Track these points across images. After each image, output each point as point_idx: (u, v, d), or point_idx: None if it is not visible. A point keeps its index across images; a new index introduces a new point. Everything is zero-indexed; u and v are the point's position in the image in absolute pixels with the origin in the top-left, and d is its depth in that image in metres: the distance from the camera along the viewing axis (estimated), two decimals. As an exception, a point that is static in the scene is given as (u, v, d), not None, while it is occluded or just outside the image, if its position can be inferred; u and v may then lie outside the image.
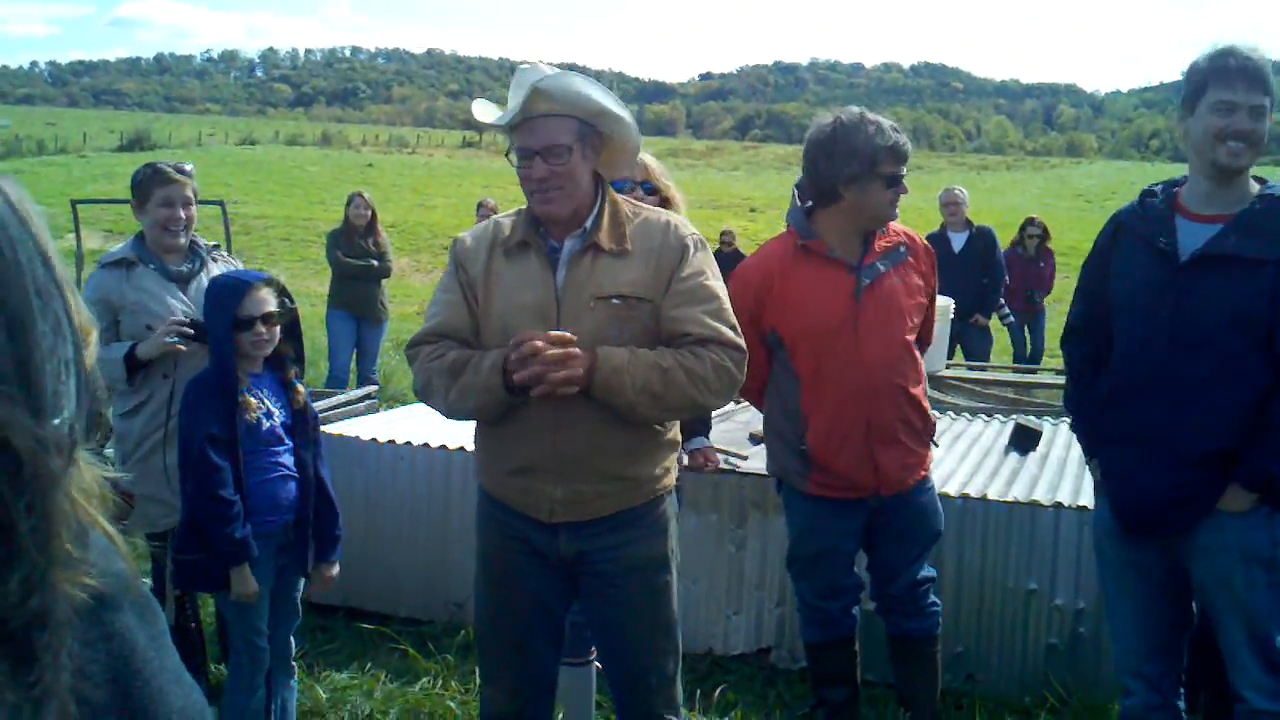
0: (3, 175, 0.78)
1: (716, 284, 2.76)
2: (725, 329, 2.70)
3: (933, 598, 3.77)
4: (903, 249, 3.56)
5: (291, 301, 3.45)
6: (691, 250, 2.74)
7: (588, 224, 2.73)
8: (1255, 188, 2.91)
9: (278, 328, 3.37)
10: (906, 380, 3.51)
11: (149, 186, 3.88)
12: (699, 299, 2.70)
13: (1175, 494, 2.88)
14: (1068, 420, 3.39)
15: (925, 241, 3.74)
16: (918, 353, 3.59)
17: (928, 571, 3.76)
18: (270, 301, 3.33)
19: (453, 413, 2.80)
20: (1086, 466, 3.30)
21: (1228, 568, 2.88)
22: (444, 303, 2.83)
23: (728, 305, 2.76)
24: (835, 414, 3.50)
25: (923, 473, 3.63)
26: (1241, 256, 2.80)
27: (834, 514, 3.61)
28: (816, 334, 3.50)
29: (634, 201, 2.89)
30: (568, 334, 2.60)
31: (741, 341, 2.74)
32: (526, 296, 2.72)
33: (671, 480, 2.87)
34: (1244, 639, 2.91)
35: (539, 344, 2.55)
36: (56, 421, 0.69)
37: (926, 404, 3.61)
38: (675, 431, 2.90)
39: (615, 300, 2.68)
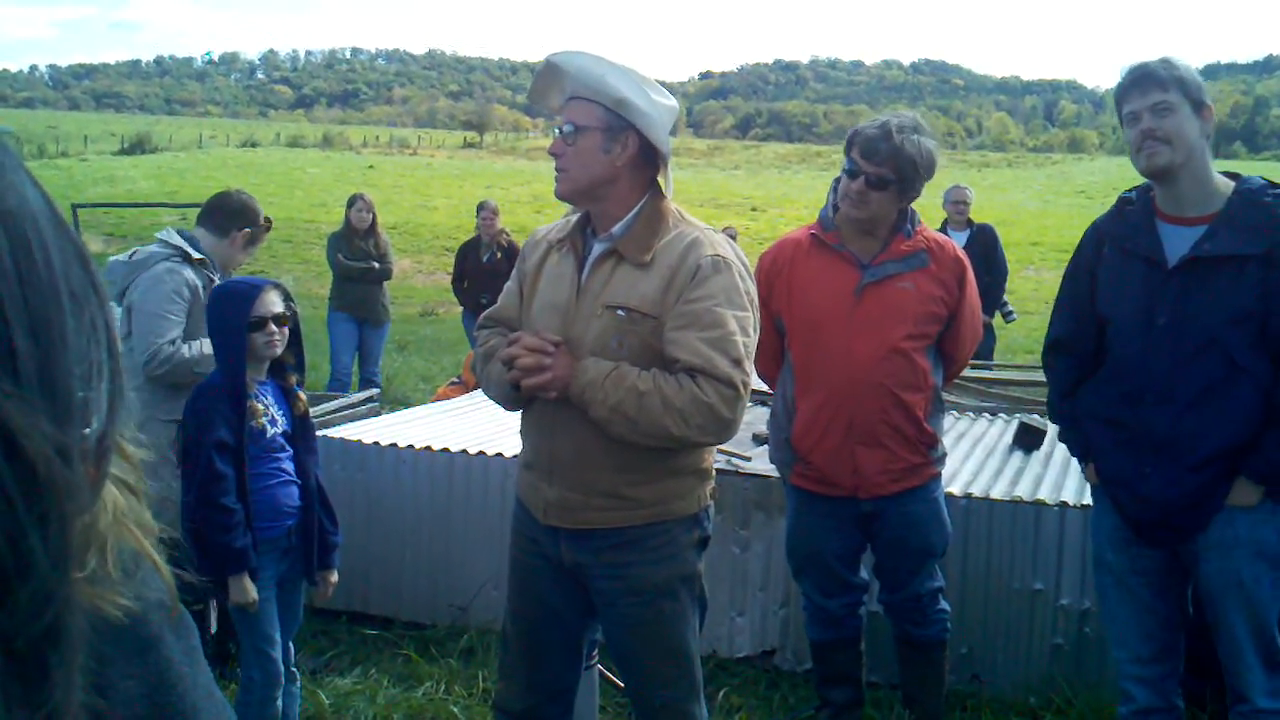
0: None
1: (727, 310, 2.57)
2: (720, 360, 2.52)
3: (941, 605, 3.74)
4: (924, 255, 3.47)
5: (294, 306, 3.45)
6: (705, 271, 2.58)
7: (615, 230, 2.69)
8: (1227, 184, 2.93)
9: (286, 329, 3.37)
10: (896, 384, 3.43)
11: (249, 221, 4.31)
12: (700, 324, 2.55)
13: (1189, 499, 2.89)
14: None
15: (959, 253, 3.57)
16: (922, 360, 3.46)
17: (935, 582, 3.71)
18: (279, 303, 3.35)
19: (489, 398, 2.96)
20: (1082, 473, 3.31)
21: (1238, 563, 2.88)
22: (506, 290, 2.95)
23: (735, 335, 2.56)
24: (818, 407, 3.49)
25: (916, 482, 3.52)
26: (1227, 255, 2.82)
27: (817, 509, 3.60)
28: (811, 324, 3.50)
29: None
30: (551, 339, 2.63)
31: (739, 376, 2.55)
32: (555, 296, 2.74)
33: (687, 507, 2.73)
34: (1249, 638, 2.90)
35: (516, 349, 2.62)
36: (86, 431, 0.66)
37: (923, 413, 3.47)
38: (698, 459, 2.76)
39: (620, 312, 2.62)
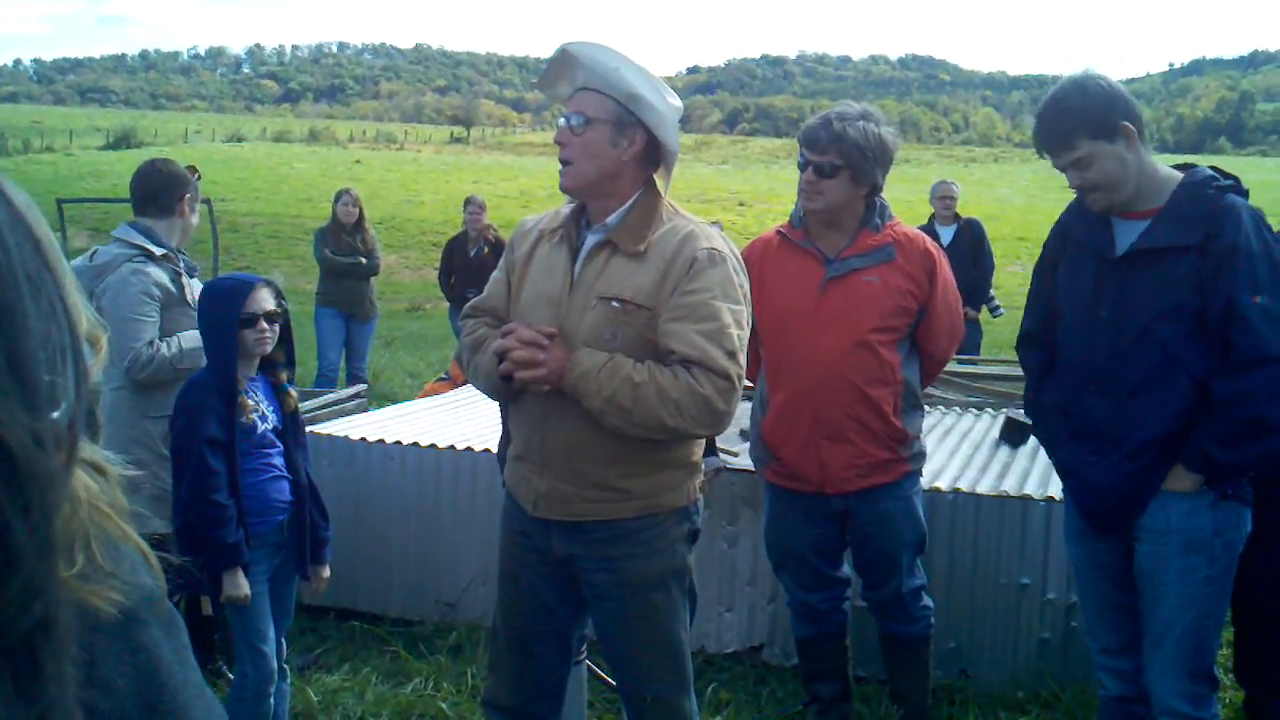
0: None
1: (722, 303, 2.59)
2: (715, 352, 2.54)
3: (924, 601, 3.74)
4: (890, 248, 3.46)
5: (285, 303, 3.44)
6: (701, 264, 2.60)
7: (610, 220, 2.69)
8: (1174, 177, 2.93)
9: (277, 326, 3.37)
10: (861, 378, 3.42)
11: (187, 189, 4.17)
12: (696, 317, 2.57)
13: (1125, 485, 2.90)
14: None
15: (929, 246, 3.57)
16: (889, 354, 3.45)
17: (916, 580, 3.72)
18: (270, 300, 3.35)
19: (476, 389, 2.93)
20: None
21: (1169, 551, 2.87)
22: (493, 279, 2.93)
23: (730, 328, 2.58)
24: (785, 402, 3.52)
25: (886, 478, 3.51)
26: (1166, 247, 2.83)
27: (790, 505, 3.62)
28: (778, 320, 3.51)
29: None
30: (546, 330, 2.62)
31: (734, 368, 2.56)
32: (547, 286, 2.73)
33: (677, 500, 2.74)
34: (1177, 636, 2.88)
35: (510, 341, 2.60)
36: (55, 415, 0.65)
37: (891, 408, 3.45)
38: (688, 452, 2.76)
39: (614, 303, 2.63)
